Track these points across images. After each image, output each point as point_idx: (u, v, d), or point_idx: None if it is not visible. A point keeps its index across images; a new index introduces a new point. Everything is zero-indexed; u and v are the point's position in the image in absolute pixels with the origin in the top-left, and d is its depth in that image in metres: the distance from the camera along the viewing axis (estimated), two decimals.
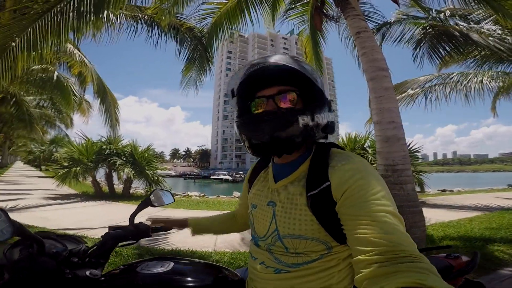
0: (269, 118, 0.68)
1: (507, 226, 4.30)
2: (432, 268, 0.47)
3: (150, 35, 4.97)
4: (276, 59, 0.70)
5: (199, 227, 1.09)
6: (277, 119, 0.67)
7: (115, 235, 0.89)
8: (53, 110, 12.38)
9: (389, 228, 0.53)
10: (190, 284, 0.80)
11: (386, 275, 0.47)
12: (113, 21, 4.15)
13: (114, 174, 9.24)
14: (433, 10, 4.92)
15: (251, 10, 4.72)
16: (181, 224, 1.09)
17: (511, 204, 6.99)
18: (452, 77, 7.16)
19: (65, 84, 7.17)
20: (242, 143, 0.75)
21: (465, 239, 3.63)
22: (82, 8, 2.90)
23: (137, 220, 0.98)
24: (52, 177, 10.24)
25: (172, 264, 0.85)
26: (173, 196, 1.14)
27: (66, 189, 9.40)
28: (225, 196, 10.74)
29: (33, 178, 17.01)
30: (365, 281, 0.49)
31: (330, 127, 0.75)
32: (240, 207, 1.06)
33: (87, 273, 0.75)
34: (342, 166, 0.64)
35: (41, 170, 27.28)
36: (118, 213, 5.86)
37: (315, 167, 0.69)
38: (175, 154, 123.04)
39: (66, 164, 8.76)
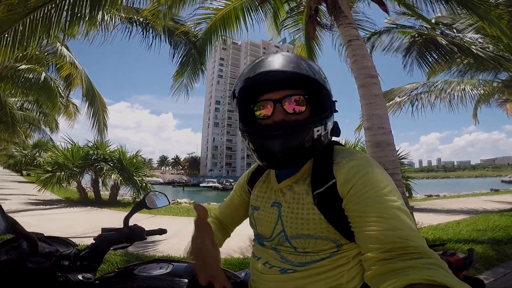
0: (280, 134, 0.63)
1: (492, 228, 4.47)
2: (442, 264, 0.46)
3: (144, 37, 4.95)
4: (282, 62, 0.65)
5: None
6: (290, 134, 0.63)
7: (109, 238, 0.86)
8: (38, 113, 11.97)
9: (397, 224, 0.51)
10: (190, 286, 0.77)
11: (395, 272, 0.46)
12: (108, 22, 4.09)
13: (100, 180, 8.96)
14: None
15: (246, 17, 4.78)
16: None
17: (495, 207, 7.29)
18: (437, 85, 7.47)
19: (52, 86, 6.95)
20: (251, 154, 0.70)
21: (455, 241, 3.73)
22: (77, 5, 2.83)
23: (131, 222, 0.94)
24: (33, 182, 9.81)
25: (171, 266, 0.83)
26: (168, 199, 1.11)
27: (48, 195, 9.01)
28: (215, 203, 10.59)
29: (13, 183, 16.25)
30: (375, 278, 0.48)
31: (336, 129, 0.73)
32: (226, 209, 0.95)
33: (80, 276, 0.72)
34: (347, 162, 0.63)
35: (22, 175, 26.15)
36: (104, 220, 5.67)
37: (319, 165, 0.67)
38: (163, 161, 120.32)
39: (49, 168, 8.41)
